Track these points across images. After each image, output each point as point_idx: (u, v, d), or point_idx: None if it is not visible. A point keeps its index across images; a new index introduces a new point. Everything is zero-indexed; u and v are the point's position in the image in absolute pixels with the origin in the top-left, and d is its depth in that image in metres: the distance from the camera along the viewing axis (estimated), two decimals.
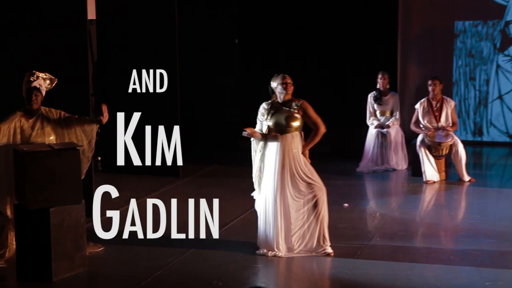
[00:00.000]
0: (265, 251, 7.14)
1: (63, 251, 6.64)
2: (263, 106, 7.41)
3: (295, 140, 7.35)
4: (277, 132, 7.30)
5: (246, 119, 13.70)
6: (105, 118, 7.18)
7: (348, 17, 13.48)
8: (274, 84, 7.51)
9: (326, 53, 13.76)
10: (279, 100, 7.41)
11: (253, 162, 7.58)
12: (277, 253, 7.06)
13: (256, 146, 7.55)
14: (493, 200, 9.72)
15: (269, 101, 7.48)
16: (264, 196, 7.33)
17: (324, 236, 7.16)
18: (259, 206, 7.42)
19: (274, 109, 7.35)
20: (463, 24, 13.14)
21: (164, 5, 10.45)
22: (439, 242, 7.95)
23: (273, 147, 7.33)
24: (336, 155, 12.06)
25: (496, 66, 13.13)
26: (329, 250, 7.13)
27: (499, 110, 13.16)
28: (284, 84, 7.35)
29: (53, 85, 7.13)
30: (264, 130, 7.39)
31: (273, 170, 7.27)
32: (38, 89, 6.97)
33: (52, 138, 7.03)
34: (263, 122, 7.36)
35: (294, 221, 7.14)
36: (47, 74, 7.08)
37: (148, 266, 6.93)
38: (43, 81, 7.01)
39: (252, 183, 10.23)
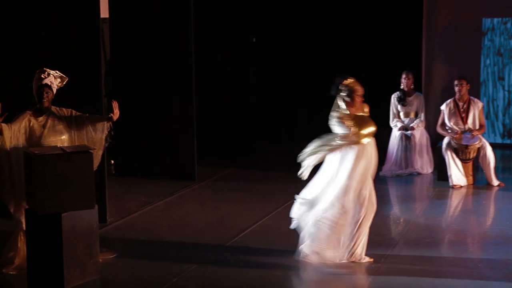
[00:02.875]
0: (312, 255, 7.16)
1: (75, 258, 6.64)
2: None
3: None
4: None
5: (263, 119, 13.80)
6: (115, 115, 7.16)
7: (371, 15, 13.46)
8: None
9: (347, 52, 13.74)
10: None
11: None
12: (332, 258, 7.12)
13: None
14: None
15: None
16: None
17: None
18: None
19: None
20: (491, 21, 13.10)
21: (180, 2, 10.46)
22: (467, 250, 7.91)
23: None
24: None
25: None
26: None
27: None
28: None
29: (64, 83, 7.14)
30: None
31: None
32: (49, 87, 6.99)
33: (64, 137, 7.04)
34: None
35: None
36: (57, 72, 7.10)
37: (162, 273, 6.91)
38: (54, 79, 7.03)
39: (270, 188, 10.29)
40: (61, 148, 6.74)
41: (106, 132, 7.24)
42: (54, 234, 6.56)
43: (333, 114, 7.37)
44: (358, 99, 7.44)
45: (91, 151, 6.83)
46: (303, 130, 14.10)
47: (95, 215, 6.85)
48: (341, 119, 7.26)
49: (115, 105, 7.18)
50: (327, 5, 13.63)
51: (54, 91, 7.05)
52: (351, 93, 7.42)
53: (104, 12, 10.34)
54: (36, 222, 6.63)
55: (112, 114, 7.17)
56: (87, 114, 7.22)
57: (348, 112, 7.32)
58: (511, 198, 9.88)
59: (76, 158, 6.65)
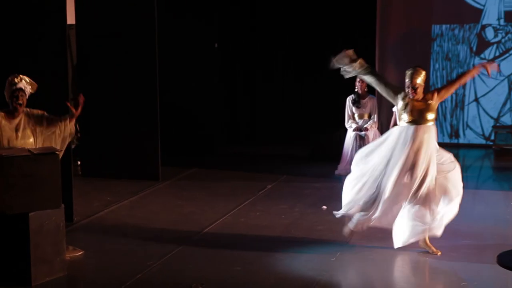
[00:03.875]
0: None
1: (43, 256, 6.58)
2: None
3: None
4: None
5: (224, 122, 13.82)
6: (78, 111, 7.13)
7: (326, 21, 13.56)
8: None
9: (304, 57, 13.83)
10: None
11: None
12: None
13: None
14: (469, 201, 9.68)
15: None
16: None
17: None
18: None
19: None
20: (440, 28, 13.22)
21: (144, 9, 10.42)
22: (415, 243, 7.95)
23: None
24: (314, 158, 12.11)
25: None
26: None
27: (475, 113, 13.25)
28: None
29: (34, 90, 7.10)
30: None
31: None
32: (23, 90, 6.94)
33: (31, 141, 6.99)
34: None
35: None
36: (29, 79, 7.06)
37: (127, 270, 6.88)
38: (26, 84, 6.98)
39: (231, 187, 10.31)
40: (28, 150, 6.69)
41: (68, 132, 7.19)
42: (22, 233, 6.49)
43: None
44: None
45: (57, 152, 6.79)
46: (262, 132, 14.20)
47: (62, 214, 6.79)
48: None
49: (81, 99, 7.14)
50: (286, 12, 13.69)
51: (27, 95, 7.00)
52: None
53: (71, 19, 10.27)
54: (4, 222, 6.54)
55: (74, 110, 7.14)
56: (58, 116, 7.17)
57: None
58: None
59: (43, 159, 6.60)
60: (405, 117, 7.25)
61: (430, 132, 7.22)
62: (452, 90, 7.67)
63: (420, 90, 7.30)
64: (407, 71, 7.39)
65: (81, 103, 7.16)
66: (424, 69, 7.47)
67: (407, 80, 7.34)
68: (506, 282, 6.07)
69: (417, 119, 7.18)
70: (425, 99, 7.30)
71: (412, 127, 7.19)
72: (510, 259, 4.98)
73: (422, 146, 7.13)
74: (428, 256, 7.36)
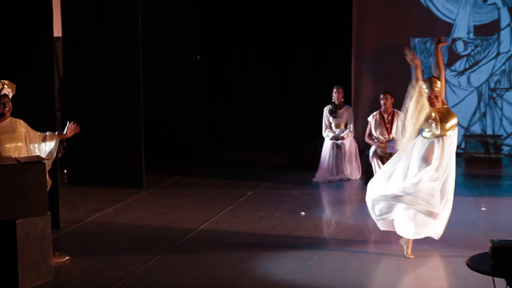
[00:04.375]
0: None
1: (29, 262, 6.57)
2: None
3: None
4: None
5: (207, 131, 13.82)
6: (69, 134, 7.18)
7: (304, 34, 13.60)
8: None
9: (283, 68, 13.88)
10: None
11: None
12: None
13: None
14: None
15: None
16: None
17: None
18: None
19: None
20: (413, 41, 13.25)
21: (129, 22, 10.43)
22: (391, 247, 7.98)
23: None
24: (293, 166, 12.14)
25: (444, 81, 13.22)
26: None
27: None
28: None
29: (14, 92, 7.07)
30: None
31: None
32: (7, 96, 6.95)
33: (20, 144, 7.00)
34: None
35: None
36: (8, 81, 7.04)
37: (112, 275, 6.86)
38: (8, 88, 6.98)
39: (213, 194, 10.30)
40: (16, 159, 6.68)
41: (56, 147, 7.21)
42: (9, 239, 6.47)
43: None
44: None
45: (44, 161, 6.77)
46: (243, 140, 14.22)
47: (48, 221, 6.78)
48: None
49: (71, 127, 7.19)
50: (264, 24, 13.72)
51: (11, 98, 7.01)
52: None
53: (57, 32, 10.26)
54: None
55: (66, 133, 7.19)
56: (44, 133, 7.18)
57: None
58: None
59: (30, 168, 6.59)
60: (433, 127, 7.30)
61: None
62: (443, 77, 7.75)
63: (440, 99, 7.37)
64: (423, 83, 7.34)
65: (75, 131, 7.23)
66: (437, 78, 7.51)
67: (426, 91, 7.34)
68: (477, 283, 6.11)
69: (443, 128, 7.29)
70: (442, 106, 7.44)
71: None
72: (480, 262, 5.01)
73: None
74: (402, 260, 7.39)
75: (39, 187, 6.62)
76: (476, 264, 4.97)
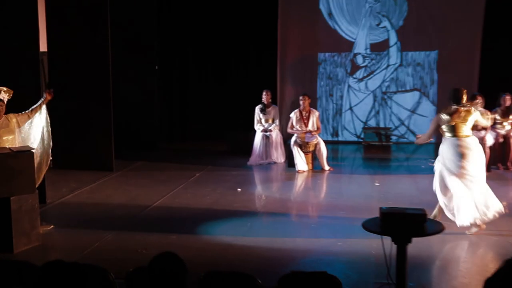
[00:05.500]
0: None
1: (22, 230, 6.51)
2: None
3: None
4: None
5: (164, 124, 13.77)
6: (49, 97, 7.19)
7: (242, 49, 13.62)
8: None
9: (225, 72, 13.89)
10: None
11: None
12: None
13: None
14: (345, 183, 9.95)
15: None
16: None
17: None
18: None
19: None
20: (324, 55, 13.38)
21: (99, 39, 10.31)
22: (307, 214, 8.11)
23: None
24: (231, 152, 12.19)
25: (348, 86, 13.43)
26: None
27: (350, 118, 13.43)
28: None
29: (11, 96, 6.97)
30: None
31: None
32: (2, 101, 6.85)
33: (12, 137, 6.89)
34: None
35: None
36: (6, 88, 6.93)
37: (88, 239, 6.83)
38: (4, 94, 6.87)
39: (169, 175, 10.27)
40: (10, 149, 6.59)
41: (45, 113, 7.08)
42: (5, 212, 6.42)
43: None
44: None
45: (32, 150, 6.69)
46: (192, 132, 14.20)
47: (36, 197, 6.72)
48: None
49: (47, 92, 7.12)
50: (211, 39, 13.69)
51: (5, 103, 6.89)
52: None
53: (43, 47, 10.10)
54: None
55: (46, 96, 7.14)
56: (28, 111, 7.10)
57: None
58: (337, 178, 10.13)
59: (21, 156, 6.51)
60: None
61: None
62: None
63: None
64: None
65: (51, 95, 7.20)
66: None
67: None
68: (370, 241, 6.25)
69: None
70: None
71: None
72: (371, 224, 5.12)
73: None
74: (314, 222, 7.52)
75: (28, 170, 6.55)
76: (369, 225, 5.05)
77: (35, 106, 7.15)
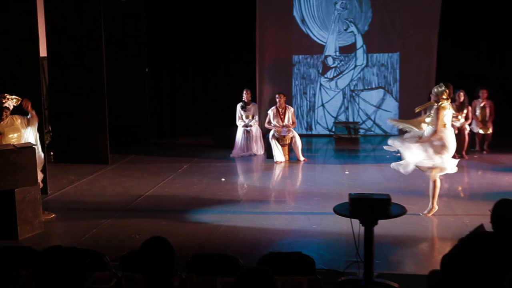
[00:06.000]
0: None
1: (25, 219, 6.46)
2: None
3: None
4: None
5: (154, 122, 13.69)
6: (33, 117, 6.97)
7: (225, 53, 13.58)
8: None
9: (209, 73, 13.84)
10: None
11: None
12: None
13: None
14: (319, 172, 9.99)
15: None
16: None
17: None
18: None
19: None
20: (298, 57, 13.40)
21: (93, 43, 10.21)
22: (285, 201, 8.13)
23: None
24: (216, 146, 12.16)
25: (319, 85, 13.46)
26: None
27: (322, 114, 13.45)
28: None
29: (19, 103, 6.92)
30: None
31: None
32: (8, 108, 6.82)
33: (18, 134, 6.85)
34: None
35: None
36: (14, 96, 6.88)
37: (86, 226, 6.80)
38: (10, 101, 6.82)
39: (159, 167, 10.24)
40: (13, 145, 6.53)
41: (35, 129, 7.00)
42: (10, 203, 6.37)
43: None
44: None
45: (34, 146, 6.63)
46: (180, 128, 14.14)
47: (38, 189, 6.69)
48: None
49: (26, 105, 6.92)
50: (197, 47, 13.63)
51: (11, 109, 6.85)
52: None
53: (43, 52, 10.00)
54: None
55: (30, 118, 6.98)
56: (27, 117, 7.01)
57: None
58: (311, 168, 10.15)
59: (23, 151, 6.46)
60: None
61: None
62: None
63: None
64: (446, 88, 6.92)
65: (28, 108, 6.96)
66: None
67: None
68: (341, 224, 6.28)
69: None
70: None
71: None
72: (341, 208, 5.15)
73: None
74: (290, 208, 7.53)
75: (31, 165, 6.50)
76: (340, 210, 5.07)
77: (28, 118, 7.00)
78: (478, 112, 10.90)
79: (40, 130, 7.33)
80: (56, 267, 2.56)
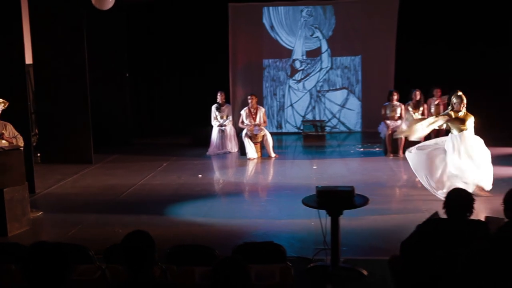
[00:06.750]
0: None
1: (14, 216, 6.37)
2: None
3: None
4: None
5: (135, 123, 13.57)
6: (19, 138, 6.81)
7: (200, 57, 13.50)
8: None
9: (186, 77, 13.75)
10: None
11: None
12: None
13: None
14: (289, 167, 10.01)
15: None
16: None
17: None
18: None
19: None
20: (268, 61, 13.42)
21: (77, 51, 10.09)
22: (258, 194, 8.14)
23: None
24: (193, 145, 12.11)
25: (288, 86, 13.51)
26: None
27: (291, 113, 13.50)
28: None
29: (6, 106, 6.78)
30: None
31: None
32: None
33: (3, 142, 6.71)
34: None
35: None
36: (2, 99, 6.74)
37: (72, 222, 6.72)
38: (0, 104, 6.70)
39: (140, 166, 10.16)
40: (1, 148, 6.41)
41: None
42: (0, 201, 6.25)
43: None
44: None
45: (21, 148, 6.53)
46: (159, 128, 14.05)
47: (26, 188, 6.58)
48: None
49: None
50: (178, 51, 13.53)
51: (0, 111, 6.70)
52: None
53: (29, 59, 9.83)
54: None
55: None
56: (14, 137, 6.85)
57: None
58: (282, 164, 10.16)
59: (11, 153, 6.36)
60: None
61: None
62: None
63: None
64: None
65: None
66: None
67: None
68: (309, 214, 6.15)
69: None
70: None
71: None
72: (310, 200, 5.18)
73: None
74: (263, 201, 7.53)
75: (18, 166, 6.41)
76: (308, 201, 5.10)
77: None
78: (433, 109, 11.05)
79: (27, 133, 7.21)
80: (41, 262, 2.53)
